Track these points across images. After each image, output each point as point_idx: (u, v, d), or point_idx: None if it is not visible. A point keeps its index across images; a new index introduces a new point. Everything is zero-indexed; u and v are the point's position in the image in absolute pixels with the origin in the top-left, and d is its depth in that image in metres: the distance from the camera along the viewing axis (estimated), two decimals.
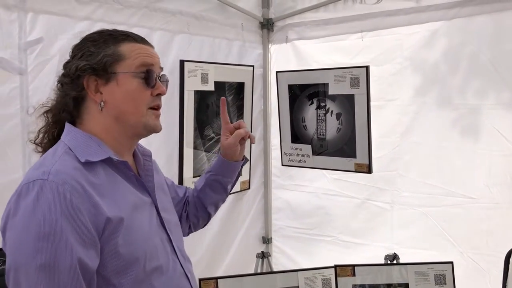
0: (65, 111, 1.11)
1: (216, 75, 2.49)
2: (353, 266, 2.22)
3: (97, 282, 1.00)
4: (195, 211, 1.47)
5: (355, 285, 2.22)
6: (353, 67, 2.46)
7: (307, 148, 2.66)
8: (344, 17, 2.67)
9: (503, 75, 2.33)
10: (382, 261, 2.38)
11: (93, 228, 0.98)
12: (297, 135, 2.69)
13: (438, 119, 2.51)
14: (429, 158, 2.56)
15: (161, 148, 2.24)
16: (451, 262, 2.30)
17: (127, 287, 1.03)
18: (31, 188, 0.96)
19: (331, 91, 2.52)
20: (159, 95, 1.14)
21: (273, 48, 3.06)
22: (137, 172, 1.18)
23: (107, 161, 1.08)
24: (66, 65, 1.12)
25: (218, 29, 2.63)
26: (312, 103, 2.62)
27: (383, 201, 2.71)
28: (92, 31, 1.16)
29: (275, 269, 2.83)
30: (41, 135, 1.16)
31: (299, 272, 2.38)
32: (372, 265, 2.28)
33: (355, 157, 2.52)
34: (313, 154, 2.64)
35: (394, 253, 2.37)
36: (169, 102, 2.26)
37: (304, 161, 2.68)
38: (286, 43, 2.96)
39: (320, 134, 2.61)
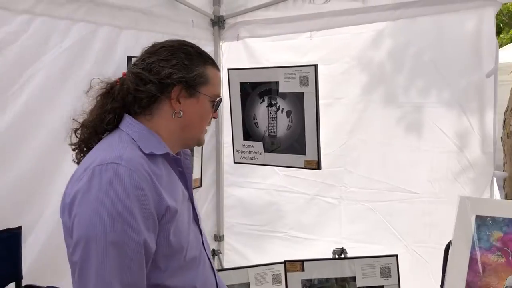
0: (133, 103, 1.19)
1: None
2: (302, 261, 2.26)
3: (149, 266, 1.09)
4: None
5: (304, 279, 2.26)
6: (302, 65, 2.49)
7: (258, 146, 2.67)
8: (293, 16, 2.70)
9: (444, 75, 2.44)
10: (331, 256, 2.44)
11: (156, 215, 1.08)
12: (249, 132, 2.69)
13: (384, 117, 2.60)
14: (375, 155, 2.65)
15: None
16: (396, 255, 2.39)
17: (170, 272, 1.14)
18: (105, 169, 1.05)
19: (281, 89, 2.54)
20: (213, 117, 1.31)
21: (224, 46, 3.06)
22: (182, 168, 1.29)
23: (165, 156, 1.19)
24: (152, 64, 1.18)
25: (167, 25, 2.59)
26: (263, 100, 2.63)
27: (332, 196, 2.78)
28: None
29: (226, 266, 2.83)
30: (93, 117, 1.21)
31: (249, 269, 2.40)
32: (320, 259, 2.34)
33: (304, 154, 2.55)
34: (264, 151, 2.65)
35: (342, 247, 2.43)
36: None
37: (256, 158, 2.69)
38: (238, 40, 2.96)
39: (271, 132, 2.63)
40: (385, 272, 2.34)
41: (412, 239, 2.60)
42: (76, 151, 1.24)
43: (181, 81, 1.18)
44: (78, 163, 1.21)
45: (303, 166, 2.56)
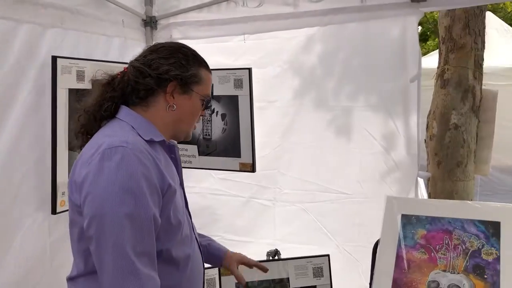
0: (131, 94, 1.34)
1: (94, 72, 2.36)
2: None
3: None
4: None
5: (238, 283, 2.26)
6: (236, 68, 2.50)
7: (193, 149, 2.64)
8: (227, 19, 2.69)
9: (371, 79, 2.54)
10: (265, 258, 2.45)
11: (160, 191, 1.23)
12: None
13: (315, 120, 2.66)
14: (307, 157, 2.70)
15: (31, 150, 2.07)
16: (328, 255, 2.45)
17: (169, 245, 1.28)
18: (114, 152, 1.18)
19: (216, 92, 2.53)
20: (201, 115, 1.46)
21: None
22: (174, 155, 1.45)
23: (161, 143, 1.35)
24: (153, 61, 1.34)
25: (96, 25, 2.48)
26: None
27: (266, 198, 2.80)
28: None
29: None
30: (93, 104, 1.35)
31: None
32: None
33: (239, 156, 2.56)
34: (199, 155, 2.63)
35: (276, 249, 2.45)
36: (39, 100, 2.09)
37: (191, 162, 2.66)
38: None
39: (206, 135, 2.61)
40: (318, 272, 2.39)
41: (343, 238, 2.68)
42: (79, 136, 1.37)
43: (177, 78, 1.33)
44: (80, 148, 1.35)
45: (238, 169, 2.57)
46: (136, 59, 1.38)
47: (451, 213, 2.01)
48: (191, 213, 3.06)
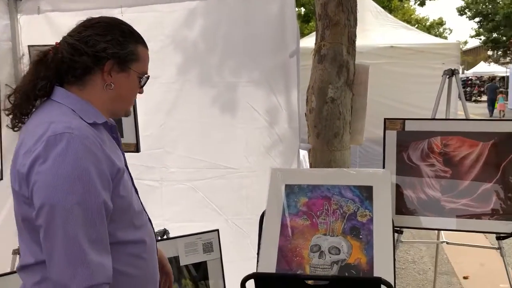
0: (67, 72, 1.26)
1: None
2: None
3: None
4: None
5: None
6: None
7: None
8: None
9: (253, 55, 2.57)
10: None
11: (109, 175, 1.20)
12: None
13: (200, 96, 2.63)
14: (193, 134, 2.68)
15: None
16: (217, 230, 2.46)
17: (124, 223, 1.28)
18: (59, 139, 1.14)
19: None
20: (139, 93, 1.42)
21: (22, 19, 2.70)
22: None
23: (104, 124, 1.31)
24: (89, 37, 1.26)
25: None
26: None
27: (153, 179, 2.73)
28: None
29: None
30: (26, 83, 1.27)
31: None
32: None
33: (122, 136, 2.44)
34: None
35: (164, 228, 2.41)
36: None
37: None
38: (38, 14, 2.66)
39: None
40: (207, 248, 2.40)
41: (232, 212, 2.72)
42: (11, 116, 1.29)
43: (115, 56, 1.28)
44: (13, 128, 1.30)
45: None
46: (70, 35, 1.29)
47: (329, 181, 2.14)
48: None
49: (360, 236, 1.98)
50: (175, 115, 2.66)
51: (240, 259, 2.54)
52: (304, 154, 2.98)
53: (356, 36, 2.73)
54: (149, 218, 1.46)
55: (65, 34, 1.30)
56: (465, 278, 4.36)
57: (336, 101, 2.61)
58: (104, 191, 1.18)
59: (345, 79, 2.64)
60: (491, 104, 20.59)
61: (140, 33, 1.37)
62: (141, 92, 1.42)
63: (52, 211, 1.12)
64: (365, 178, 2.13)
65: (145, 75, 1.39)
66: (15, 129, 1.30)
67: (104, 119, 1.30)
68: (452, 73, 2.74)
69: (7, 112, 1.29)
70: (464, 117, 2.74)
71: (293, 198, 2.12)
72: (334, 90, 2.61)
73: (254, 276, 1.79)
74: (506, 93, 21.30)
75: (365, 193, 2.07)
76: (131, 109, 1.46)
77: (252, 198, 2.61)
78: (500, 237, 2.41)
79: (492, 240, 2.51)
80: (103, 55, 1.27)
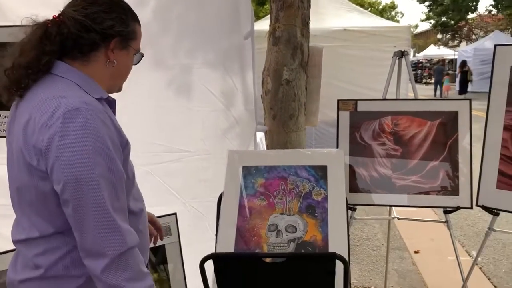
0: (73, 48, 1.28)
1: None
2: None
3: None
4: None
5: None
6: None
7: None
8: None
9: (208, 36, 2.55)
10: None
11: (120, 147, 1.28)
12: (2, 101, 2.37)
13: (155, 79, 2.58)
14: (149, 118, 2.63)
15: None
16: (175, 214, 2.47)
17: (128, 194, 1.34)
18: (76, 114, 1.18)
19: None
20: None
21: None
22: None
23: (106, 100, 1.35)
24: (96, 14, 1.28)
25: None
26: None
27: None
28: None
29: None
30: (29, 58, 1.26)
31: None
32: None
33: None
34: None
35: None
36: None
37: None
38: None
39: None
40: (166, 231, 2.39)
41: (189, 196, 2.71)
42: (7, 92, 1.29)
43: (120, 34, 1.33)
44: (6, 103, 1.33)
45: None
46: (74, 10, 1.29)
47: (285, 161, 2.17)
48: None
49: (316, 214, 2.03)
50: (129, 99, 2.59)
51: (198, 241, 2.55)
52: (261, 136, 3.01)
53: (309, 18, 2.75)
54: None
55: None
56: (416, 252, 4.58)
57: (291, 83, 2.64)
58: (120, 163, 1.26)
59: (300, 61, 2.67)
60: (438, 85, 21.72)
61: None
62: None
63: (79, 185, 1.17)
64: (320, 158, 2.18)
65: (140, 52, 1.45)
66: (9, 104, 1.33)
67: (107, 94, 1.35)
68: (401, 54, 2.83)
69: (3, 86, 1.29)
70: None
71: (250, 179, 2.14)
72: (289, 72, 2.64)
73: (213, 256, 1.81)
74: (453, 75, 22.47)
75: (320, 173, 2.12)
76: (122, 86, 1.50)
77: (210, 180, 2.61)
78: (447, 211, 2.55)
79: (440, 215, 2.65)
80: (110, 33, 1.31)
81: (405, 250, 4.64)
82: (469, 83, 19.78)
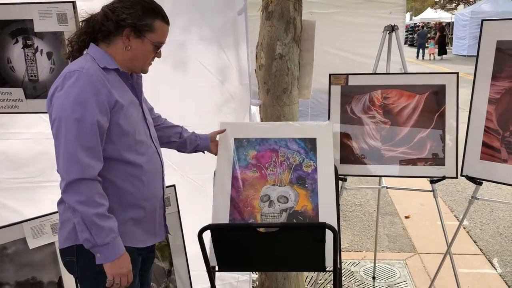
0: (98, 32, 1.72)
1: None
2: None
3: (105, 141, 1.66)
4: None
5: None
6: (58, 2, 2.31)
7: (18, 92, 2.44)
8: None
9: (202, 12, 2.59)
10: None
11: (107, 104, 1.63)
12: (5, 78, 2.43)
13: None
14: (146, 93, 2.69)
15: None
16: (173, 185, 2.58)
17: (122, 146, 1.71)
18: (72, 75, 1.61)
19: (37, 28, 2.33)
20: (156, 56, 1.85)
21: None
22: (132, 82, 1.84)
23: (117, 71, 1.74)
24: (117, 8, 1.69)
25: None
26: (17, 41, 2.38)
27: None
28: None
29: None
30: (74, 36, 1.78)
31: (24, 223, 2.27)
32: None
33: None
34: (26, 98, 2.45)
35: None
36: None
37: (18, 107, 2.46)
38: None
39: (32, 76, 2.42)
40: (166, 202, 2.50)
41: (188, 168, 2.81)
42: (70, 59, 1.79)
43: (131, 26, 1.68)
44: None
45: None
46: (107, 4, 1.73)
47: (276, 134, 2.26)
48: (25, 161, 2.90)
49: (306, 185, 2.13)
50: None
51: (196, 210, 2.66)
52: (255, 110, 3.09)
53: None
54: (158, 152, 1.90)
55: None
56: (406, 217, 4.75)
57: (285, 57, 2.70)
58: (100, 115, 1.60)
59: (293, 36, 2.71)
60: (421, 48, 23.85)
61: (162, 11, 1.75)
62: (158, 56, 1.84)
63: (59, 123, 1.58)
64: (309, 130, 2.26)
65: (160, 44, 1.78)
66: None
67: (115, 66, 1.71)
68: (392, 29, 2.88)
69: (66, 57, 1.81)
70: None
71: (243, 151, 2.23)
72: (282, 47, 2.69)
73: (210, 227, 1.93)
74: (433, 38, 24.79)
75: (310, 145, 2.21)
76: (147, 68, 1.84)
77: (206, 153, 2.70)
78: (433, 181, 2.66)
79: (429, 184, 2.77)
80: (123, 24, 1.68)
81: (396, 215, 4.81)
82: (447, 45, 23.90)
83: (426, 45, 23.58)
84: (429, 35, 25.76)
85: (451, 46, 24.83)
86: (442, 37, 23.50)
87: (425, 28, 29.61)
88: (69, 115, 1.56)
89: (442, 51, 22.97)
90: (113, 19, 1.68)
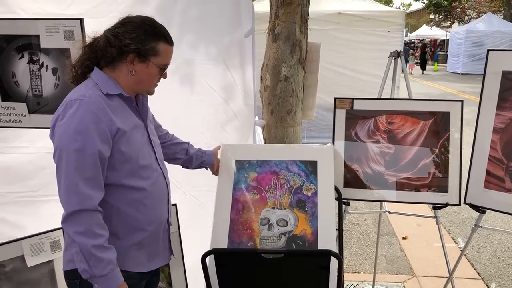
0: (101, 58, 1.70)
1: None
2: None
3: (108, 168, 1.64)
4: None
5: None
6: (66, 18, 2.31)
7: (21, 107, 2.43)
8: None
9: (210, 32, 2.60)
10: None
11: (108, 132, 1.61)
12: (8, 92, 2.42)
13: None
14: (151, 110, 2.69)
15: None
16: (175, 204, 2.56)
17: (125, 172, 1.69)
18: (73, 104, 1.59)
19: (44, 44, 2.34)
20: (162, 77, 1.81)
21: None
22: (137, 105, 1.81)
23: (120, 96, 1.71)
24: (119, 33, 1.66)
25: None
26: (23, 56, 2.38)
27: None
28: None
29: None
30: (77, 62, 1.75)
31: (22, 241, 2.24)
32: None
33: None
34: (29, 113, 2.43)
35: None
36: None
37: (20, 121, 2.46)
38: None
39: (36, 91, 2.42)
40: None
41: (190, 186, 2.80)
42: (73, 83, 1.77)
43: (135, 51, 1.66)
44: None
45: None
46: (109, 29, 1.70)
47: (277, 156, 2.25)
48: (26, 175, 2.87)
49: (306, 209, 2.11)
50: None
51: (197, 228, 2.64)
52: (259, 130, 3.08)
53: (308, 15, 2.79)
54: (164, 174, 1.88)
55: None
56: (404, 238, 4.74)
57: (289, 79, 2.70)
58: (102, 143, 1.58)
59: (298, 58, 2.72)
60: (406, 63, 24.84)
61: (165, 32, 1.74)
62: (164, 77, 1.82)
63: (60, 153, 1.57)
64: (310, 153, 2.25)
65: (165, 66, 1.77)
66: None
67: (118, 91, 1.69)
68: (398, 55, 2.90)
69: (70, 81, 1.78)
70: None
71: (243, 173, 2.21)
72: (288, 69, 2.69)
73: (213, 252, 1.91)
74: (413, 55, 27.27)
75: (310, 168, 2.20)
76: (153, 89, 1.82)
77: (209, 171, 2.69)
78: (436, 207, 2.66)
79: (430, 209, 2.76)
80: (126, 49, 1.65)
81: (393, 236, 4.80)
82: (427, 61, 26.08)
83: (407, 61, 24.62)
84: (411, 51, 27.22)
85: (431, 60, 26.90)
86: (423, 54, 25.46)
87: (409, 45, 31.13)
88: (69, 145, 1.55)
89: (423, 66, 24.85)
90: (116, 45, 1.65)
